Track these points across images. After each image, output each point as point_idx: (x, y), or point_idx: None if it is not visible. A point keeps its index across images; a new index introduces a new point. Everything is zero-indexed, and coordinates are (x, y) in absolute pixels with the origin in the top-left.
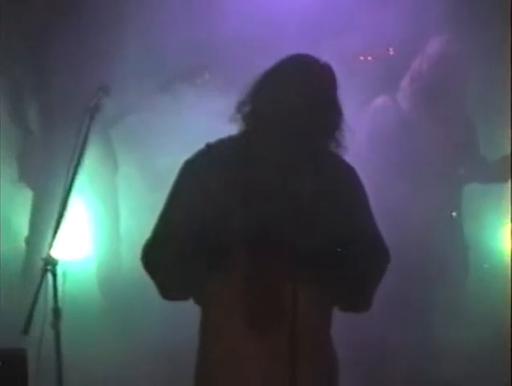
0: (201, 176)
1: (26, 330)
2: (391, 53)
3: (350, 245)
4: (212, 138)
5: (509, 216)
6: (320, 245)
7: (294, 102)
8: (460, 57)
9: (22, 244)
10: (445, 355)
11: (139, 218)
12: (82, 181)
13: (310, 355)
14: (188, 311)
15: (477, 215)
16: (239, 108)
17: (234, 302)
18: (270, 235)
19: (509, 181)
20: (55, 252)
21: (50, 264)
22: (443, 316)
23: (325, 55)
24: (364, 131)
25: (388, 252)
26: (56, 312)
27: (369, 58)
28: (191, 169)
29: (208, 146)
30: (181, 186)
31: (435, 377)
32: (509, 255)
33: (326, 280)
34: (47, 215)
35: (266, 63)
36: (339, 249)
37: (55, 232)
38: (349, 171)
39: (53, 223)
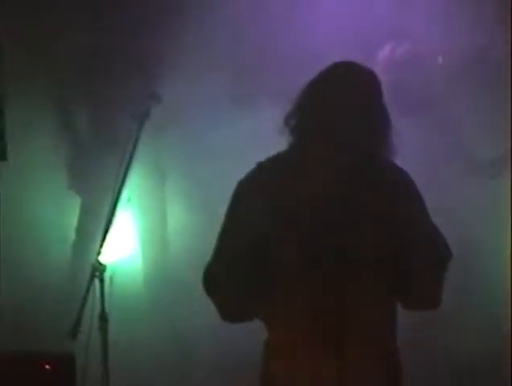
0: (255, 196)
1: (74, 335)
2: (440, 62)
3: (411, 245)
4: (264, 148)
5: (510, 216)
6: (383, 249)
7: (341, 112)
8: (414, 59)
9: (70, 250)
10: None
11: (187, 223)
12: (130, 188)
13: (376, 362)
14: None
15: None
16: (286, 121)
17: (298, 315)
18: (330, 247)
19: (510, 181)
20: (103, 257)
21: (97, 271)
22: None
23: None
24: None
25: (449, 248)
26: (103, 317)
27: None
28: (244, 190)
29: (259, 165)
30: (236, 208)
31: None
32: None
33: (391, 282)
34: (95, 221)
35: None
36: (401, 250)
37: (103, 238)
38: (403, 175)
39: (101, 230)
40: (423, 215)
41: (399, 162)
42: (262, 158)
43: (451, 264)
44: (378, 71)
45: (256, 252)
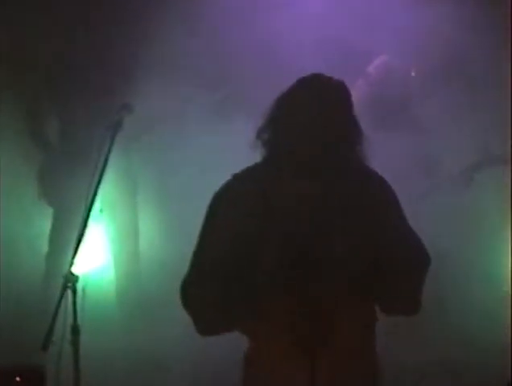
0: (230, 209)
1: (45, 346)
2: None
3: (390, 251)
4: (237, 160)
5: (510, 216)
6: (360, 257)
7: (312, 123)
8: (403, 72)
9: (43, 262)
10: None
11: (159, 235)
12: (102, 199)
13: (356, 369)
14: None
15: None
16: (259, 135)
17: (279, 323)
18: (307, 256)
19: (510, 181)
20: (75, 269)
21: (70, 281)
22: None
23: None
24: None
25: (428, 254)
26: (75, 329)
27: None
28: (220, 203)
29: (235, 177)
30: (212, 220)
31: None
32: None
33: (370, 289)
34: (67, 232)
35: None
36: (380, 257)
37: (76, 249)
38: (379, 180)
39: (73, 241)
40: (401, 220)
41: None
42: (236, 169)
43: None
44: (362, 83)
45: (232, 264)
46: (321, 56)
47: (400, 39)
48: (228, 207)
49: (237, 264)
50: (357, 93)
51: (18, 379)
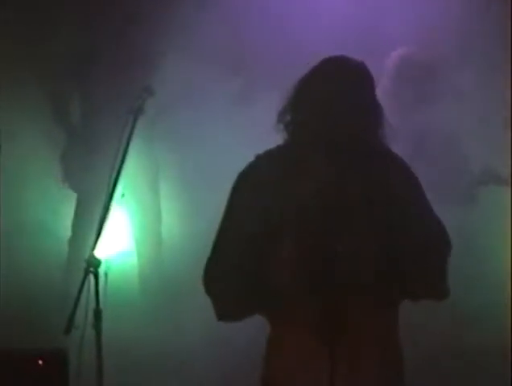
0: (253, 190)
1: (67, 331)
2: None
3: (411, 236)
4: (255, 140)
5: (510, 216)
6: (380, 243)
7: (333, 105)
8: (421, 65)
9: (65, 246)
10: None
11: (181, 219)
12: (125, 184)
13: (376, 360)
14: None
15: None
16: (280, 117)
17: (299, 315)
18: (326, 246)
19: (510, 181)
20: (98, 253)
21: (92, 266)
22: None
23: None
24: None
25: (449, 238)
26: (98, 313)
27: None
28: (243, 184)
29: (258, 158)
30: (235, 202)
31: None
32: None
33: (392, 276)
34: (90, 216)
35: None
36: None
37: (98, 233)
38: (400, 161)
39: (96, 225)
40: (422, 204)
41: None
42: (258, 150)
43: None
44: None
45: (255, 248)
46: (341, 41)
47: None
48: (251, 188)
49: (257, 249)
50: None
51: (40, 362)
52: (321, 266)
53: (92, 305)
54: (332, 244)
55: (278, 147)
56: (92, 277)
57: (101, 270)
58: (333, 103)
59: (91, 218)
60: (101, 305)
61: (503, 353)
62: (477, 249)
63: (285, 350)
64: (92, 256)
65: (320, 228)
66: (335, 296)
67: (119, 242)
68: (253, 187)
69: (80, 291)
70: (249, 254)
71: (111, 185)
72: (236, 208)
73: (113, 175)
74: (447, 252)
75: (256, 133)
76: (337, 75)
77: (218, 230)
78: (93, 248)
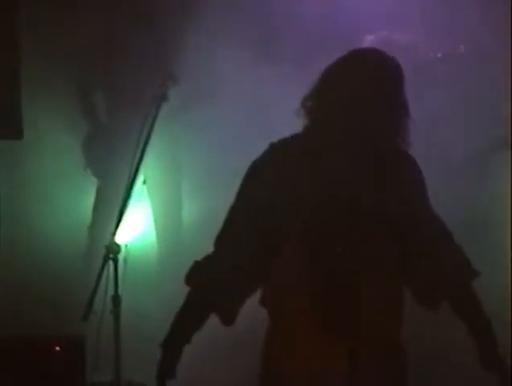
0: (266, 178)
1: (85, 317)
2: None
3: (416, 228)
4: (279, 130)
5: (510, 216)
6: (386, 235)
7: (357, 99)
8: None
9: (86, 232)
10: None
11: (202, 207)
12: (146, 171)
13: (379, 353)
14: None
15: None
16: (303, 104)
17: (302, 304)
18: (334, 235)
19: (509, 181)
20: (118, 239)
21: (112, 252)
22: None
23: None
24: None
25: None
26: (116, 299)
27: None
28: (256, 171)
29: (272, 146)
30: (246, 192)
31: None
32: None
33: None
34: (111, 202)
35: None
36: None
37: (119, 220)
38: (410, 164)
39: (116, 211)
40: (425, 202)
41: None
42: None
43: None
44: None
45: (257, 235)
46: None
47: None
48: (262, 178)
49: (262, 235)
50: None
51: (57, 348)
52: (329, 265)
53: (111, 291)
54: (339, 243)
55: (294, 137)
56: (111, 263)
57: (121, 256)
58: (360, 96)
59: (111, 204)
60: (120, 292)
61: None
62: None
63: (286, 338)
64: (113, 243)
65: (330, 226)
66: (345, 296)
67: (139, 228)
68: (264, 178)
69: (99, 277)
70: (251, 252)
71: (133, 171)
72: (245, 199)
73: (135, 162)
74: (453, 239)
75: (283, 122)
76: (365, 70)
77: (225, 220)
78: (114, 234)
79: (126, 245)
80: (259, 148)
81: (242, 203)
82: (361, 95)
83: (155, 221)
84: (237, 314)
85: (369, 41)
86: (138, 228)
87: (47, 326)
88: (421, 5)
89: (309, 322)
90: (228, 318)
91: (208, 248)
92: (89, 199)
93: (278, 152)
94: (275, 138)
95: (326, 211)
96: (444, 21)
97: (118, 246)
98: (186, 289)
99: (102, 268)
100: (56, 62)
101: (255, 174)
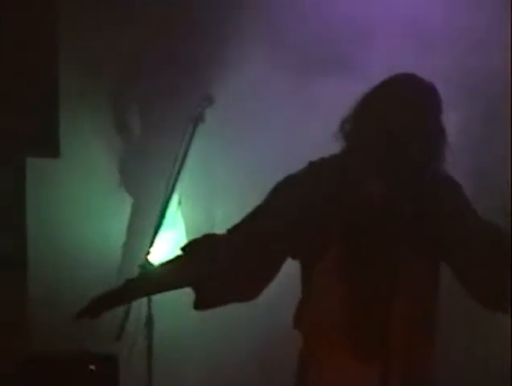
0: (300, 191)
1: (119, 337)
2: None
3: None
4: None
5: (510, 215)
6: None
7: (395, 123)
8: None
9: (120, 251)
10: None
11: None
12: (181, 191)
13: (408, 374)
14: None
15: None
16: (342, 126)
17: (335, 329)
18: (371, 258)
19: (510, 181)
20: (152, 258)
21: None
22: None
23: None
24: None
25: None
26: (149, 320)
27: None
28: (291, 183)
29: (311, 164)
30: (277, 196)
31: None
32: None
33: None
34: (145, 221)
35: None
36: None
37: (153, 239)
38: (449, 184)
39: (151, 230)
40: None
41: None
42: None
43: None
44: None
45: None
46: None
47: None
48: (294, 189)
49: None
50: None
51: (91, 367)
52: (357, 271)
53: (145, 310)
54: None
55: (333, 157)
56: None
57: None
58: (396, 123)
59: (146, 223)
60: (153, 311)
61: None
62: None
63: (324, 371)
64: (146, 261)
65: (367, 245)
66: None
67: (173, 247)
68: (298, 191)
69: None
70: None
71: (168, 191)
72: (275, 200)
73: (171, 181)
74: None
75: (316, 141)
76: (405, 95)
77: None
78: (147, 254)
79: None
80: (297, 167)
81: (271, 202)
82: (400, 122)
83: (188, 240)
84: (212, 304)
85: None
86: (172, 248)
87: (81, 344)
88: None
89: (344, 348)
90: (201, 301)
91: None
92: (124, 218)
93: (317, 169)
94: (313, 157)
95: (364, 233)
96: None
97: (152, 265)
98: (217, 309)
99: None
100: (94, 79)
101: (289, 185)
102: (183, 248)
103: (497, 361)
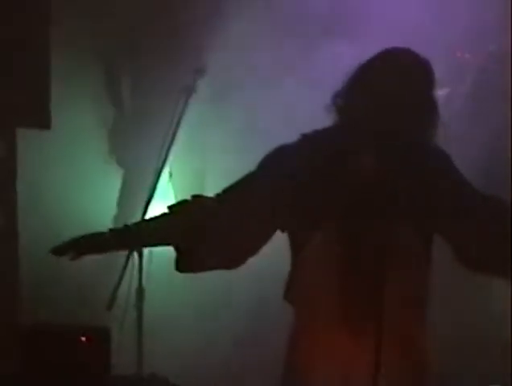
0: (290, 163)
1: (109, 306)
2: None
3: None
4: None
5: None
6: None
7: (388, 97)
8: None
9: (111, 221)
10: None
11: None
12: (172, 163)
13: (399, 349)
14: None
15: None
16: (334, 100)
17: (326, 298)
18: (367, 233)
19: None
20: None
21: None
22: None
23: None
24: None
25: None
26: (140, 293)
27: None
28: (281, 154)
29: (304, 136)
30: (267, 166)
31: None
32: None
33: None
34: (136, 194)
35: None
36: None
37: (144, 212)
38: (442, 158)
39: (142, 203)
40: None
41: None
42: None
43: None
44: None
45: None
46: None
47: None
48: (284, 158)
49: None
50: None
51: (83, 339)
52: (358, 256)
53: (136, 283)
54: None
55: (326, 129)
56: (136, 256)
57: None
58: (391, 95)
59: (137, 195)
60: (144, 284)
61: None
62: None
63: (313, 337)
64: None
65: (358, 218)
66: (370, 283)
67: None
68: (290, 163)
69: (123, 269)
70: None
71: (160, 163)
72: (264, 168)
73: (162, 153)
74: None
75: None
76: (397, 69)
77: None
78: None
79: None
80: (288, 139)
81: (261, 172)
82: (393, 94)
83: None
84: (194, 267)
85: None
86: None
87: (71, 317)
88: None
89: (335, 321)
90: (182, 263)
91: None
92: (115, 190)
93: (309, 142)
94: (304, 130)
95: (355, 209)
96: None
97: None
98: (210, 284)
99: (127, 260)
100: (83, 49)
101: (279, 156)
102: (170, 207)
103: (487, 334)
